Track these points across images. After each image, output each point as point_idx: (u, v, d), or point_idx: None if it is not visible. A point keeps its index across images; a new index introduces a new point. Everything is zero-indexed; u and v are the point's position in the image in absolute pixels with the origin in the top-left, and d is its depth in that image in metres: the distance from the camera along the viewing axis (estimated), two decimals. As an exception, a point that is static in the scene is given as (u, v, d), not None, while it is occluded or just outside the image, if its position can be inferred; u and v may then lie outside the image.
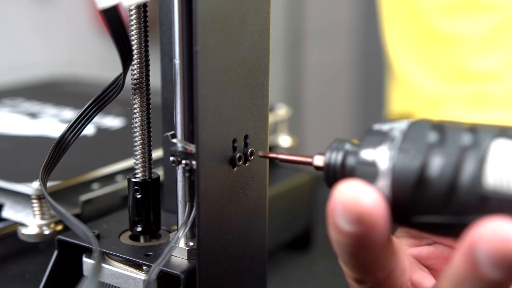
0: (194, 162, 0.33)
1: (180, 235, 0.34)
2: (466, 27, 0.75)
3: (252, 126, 0.36)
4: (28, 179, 0.43)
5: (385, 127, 0.28)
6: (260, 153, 0.35)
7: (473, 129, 0.26)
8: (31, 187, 0.42)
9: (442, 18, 0.76)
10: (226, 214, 0.34)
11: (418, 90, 0.79)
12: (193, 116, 0.33)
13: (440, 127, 0.27)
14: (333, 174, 0.30)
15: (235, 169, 0.35)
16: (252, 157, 0.35)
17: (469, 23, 0.75)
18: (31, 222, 0.42)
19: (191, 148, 0.34)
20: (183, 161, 0.34)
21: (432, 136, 0.26)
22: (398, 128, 0.27)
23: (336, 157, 0.30)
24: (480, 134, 0.26)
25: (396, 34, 0.83)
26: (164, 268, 0.34)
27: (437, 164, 0.25)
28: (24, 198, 0.43)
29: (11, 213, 0.44)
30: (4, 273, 0.43)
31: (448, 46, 0.76)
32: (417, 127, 0.27)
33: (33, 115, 0.61)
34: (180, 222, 0.36)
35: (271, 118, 0.58)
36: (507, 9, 0.74)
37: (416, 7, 0.78)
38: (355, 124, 2.21)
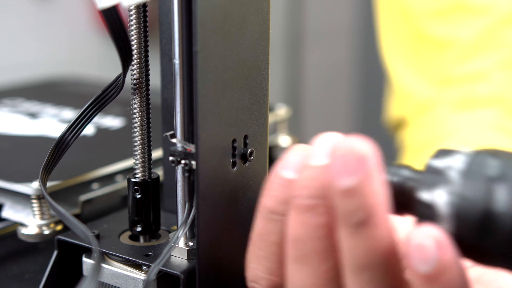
0: (193, 162, 0.33)
1: (179, 234, 0.34)
2: (457, 30, 0.75)
3: (251, 126, 0.36)
4: (28, 179, 0.43)
5: (440, 164, 0.27)
6: None
7: None
8: (31, 187, 0.42)
9: (434, 22, 0.76)
10: (226, 214, 0.34)
11: (410, 95, 0.79)
12: (193, 116, 0.33)
13: (500, 160, 0.26)
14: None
15: (235, 169, 0.35)
16: (252, 157, 0.35)
17: (460, 26, 0.75)
18: (31, 222, 0.42)
19: (191, 148, 0.34)
20: (183, 161, 0.34)
21: (492, 172, 0.26)
22: (455, 167, 0.27)
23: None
24: None
25: (389, 39, 0.83)
26: (164, 268, 0.34)
27: (501, 208, 0.25)
28: (24, 198, 0.43)
29: (11, 213, 0.44)
30: (4, 273, 0.43)
31: (439, 50, 0.76)
32: (475, 166, 0.26)
33: (33, 115, 0.61)
34: (179, 222, 0.36)
35: (271, 118, 0.58)
36: (497, 11, 0.74)
37: (407, 12, 0.78)
38: (355, 124, 2.21)
